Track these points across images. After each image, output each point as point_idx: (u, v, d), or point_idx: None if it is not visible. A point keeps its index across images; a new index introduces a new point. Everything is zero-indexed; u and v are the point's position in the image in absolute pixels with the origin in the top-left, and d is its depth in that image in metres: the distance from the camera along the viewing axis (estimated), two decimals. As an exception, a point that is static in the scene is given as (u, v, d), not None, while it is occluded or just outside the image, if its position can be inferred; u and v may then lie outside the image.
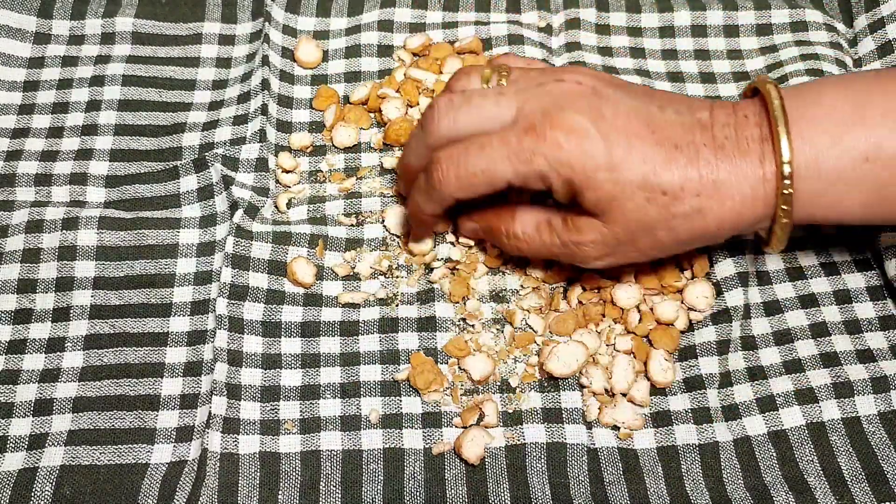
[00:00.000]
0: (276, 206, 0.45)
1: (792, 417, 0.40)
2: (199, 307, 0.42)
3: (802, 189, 0.35)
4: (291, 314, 0.42)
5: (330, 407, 0.40)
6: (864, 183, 0.35)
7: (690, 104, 0.38)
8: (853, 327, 0.42)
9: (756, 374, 0.41)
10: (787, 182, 0.35)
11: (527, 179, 0.36)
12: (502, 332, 0.42)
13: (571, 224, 0.38)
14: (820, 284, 0.44)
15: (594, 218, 0.37)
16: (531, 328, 0.42)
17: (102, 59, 0.50)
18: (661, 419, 0.40)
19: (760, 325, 0.42)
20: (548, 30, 0.52)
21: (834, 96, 0.36)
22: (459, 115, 0.37)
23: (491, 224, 0.41)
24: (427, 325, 0.42)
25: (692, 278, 0.43)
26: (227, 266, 0.42)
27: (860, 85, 0.36)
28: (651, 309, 0.42)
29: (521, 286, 0.43)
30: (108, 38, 0.51)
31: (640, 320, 0.42)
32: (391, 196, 0.46)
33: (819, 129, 0.35)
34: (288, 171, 0.47)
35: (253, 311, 0.42)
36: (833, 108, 0.35)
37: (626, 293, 0.42)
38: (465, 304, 0.43)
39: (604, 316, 0.42)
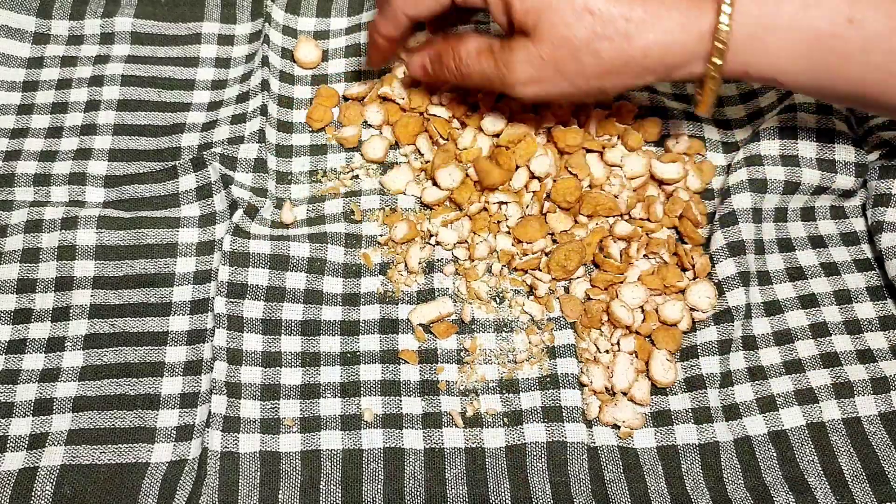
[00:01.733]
0: (281, 220, 0.45)
1: (792, 417, 0.40)
2: (199, 306, 0.42)
3: (739, 31, 0.36)
4: (292, 312, 0.42)
5: (330, 406, 0.40)
6: (801, 31, 0.35)
7: None
8: (853, 327, 0.42)
9: (756, 374, 0.41)
10: (724, 17, 0.35)
11: None
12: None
13: (506, 45, 0.39)
14: (820, 284, 0.44)
15: (525, 38, 0.38)
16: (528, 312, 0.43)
17: (101, 59, 0.50)
18: (662, 418, 0.40)
19: (761, 326, 0.42)
20: (547, 30, 0.52)
21: None
22: None
23: (439, 49, 0.43)
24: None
25: (694, 279, 0.43)
26: (224, 264, 0.42)
27: None
28: (656, 310, 0.42)
29: (524, 284, 0.43)
30: (107, 38, 0.51)
31: (644, 320, 0.42)
32: (390, 194, 0.46)
33: None
34: (288, 226, 0.45)
35: (253, 308, 0.42)
36: None
37: (632, 293, 0.42)
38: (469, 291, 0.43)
39: (607, 317, 0.42)
